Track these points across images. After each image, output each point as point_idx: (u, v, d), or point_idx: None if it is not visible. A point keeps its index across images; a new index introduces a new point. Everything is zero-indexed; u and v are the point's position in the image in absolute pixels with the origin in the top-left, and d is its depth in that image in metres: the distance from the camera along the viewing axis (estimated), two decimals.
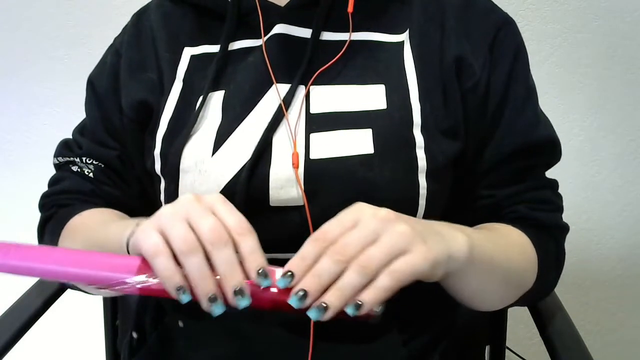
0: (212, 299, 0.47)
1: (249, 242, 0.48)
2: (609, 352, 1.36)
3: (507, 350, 0.90)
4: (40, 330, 0.80)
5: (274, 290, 0.48)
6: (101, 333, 0.93)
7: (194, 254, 0.47)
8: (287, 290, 0.47)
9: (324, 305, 0.46)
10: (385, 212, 0.49)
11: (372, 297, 0.46)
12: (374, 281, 0.46)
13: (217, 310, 0.47)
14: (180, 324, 0.66)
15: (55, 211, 0.73)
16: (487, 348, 0.89)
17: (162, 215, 0.49)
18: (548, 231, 0.69)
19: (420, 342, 0.66)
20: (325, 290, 0.46)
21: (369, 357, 0.63)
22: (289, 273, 0.47)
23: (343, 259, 0.46)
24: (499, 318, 0.88)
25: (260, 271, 0.47)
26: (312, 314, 0.46)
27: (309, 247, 0.48)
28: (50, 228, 0.73)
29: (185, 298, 0.47)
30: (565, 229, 0.71)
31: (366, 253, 0.47)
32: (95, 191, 0.73)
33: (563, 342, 0.70)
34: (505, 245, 0.63)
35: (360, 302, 0.46)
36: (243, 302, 0.47)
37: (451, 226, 0.54)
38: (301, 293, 0.46)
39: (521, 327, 1.27)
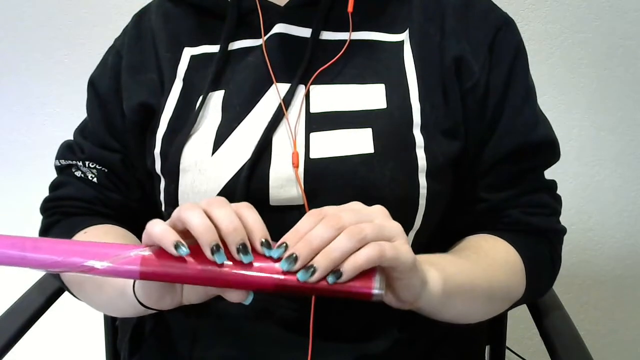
0: (215, 249, 0.47)
1: (253, 215, 0.49)
2: (609, 352, 1.36)
3: (507, 350, 0.90)
4: (40, 330, 0.80)
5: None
6: (101, 333, 0.93)
7: (193, 209, 0.47)
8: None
9: (312, 266, 0.46)
10: (382, 207, 0.51)
11: (350, 264, 0.46)
12: (356, 251, 0.47)
13: (219, 259, 0.47)
14: None
15: (59, 219, 0.73)
16: (487, 348, 0.89)
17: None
18: (542, 236, 0.69)
19: (421, 341, 0.66)
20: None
21: (369, 356, 0.63)
22: (283, 244, 0.47)
23: (336, 226, 0.47)
24: (499, 318, 0.87)
25: (263, 241, 0.48)
26: (300, 275, 0.47)
27: (304, 220, 0.49)
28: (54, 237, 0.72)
29: (182, 251, 0.47)
30: (561, 232, 0.71)
31: (359, 225, 0.47)
32: (98, 197, 0.73)
33: (563, 342, 0.70)
34: (488, 265, 0.63)
35: (340, 271, 0.46)
36: (246, 259, 0.47)
37: (426, 261, 0.54)
38: (292, 257, 0.47)
39: (521, 327, 1.27)
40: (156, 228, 0.48)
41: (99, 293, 0.64)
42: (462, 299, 0.59)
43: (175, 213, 0.48)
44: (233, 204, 0.50)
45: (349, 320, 0.63)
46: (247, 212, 0.49)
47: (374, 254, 0.46)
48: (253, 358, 0.63)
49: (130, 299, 0.56)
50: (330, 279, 0.46)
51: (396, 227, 0.49)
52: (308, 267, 0.46)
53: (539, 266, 0.68)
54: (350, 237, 0.46)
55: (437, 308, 0.56)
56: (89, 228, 0.70)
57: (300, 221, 0.49)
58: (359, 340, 0.64)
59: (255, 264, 0.48)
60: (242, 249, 0.47)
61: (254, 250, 0.48)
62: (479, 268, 0.62)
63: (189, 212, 0.47)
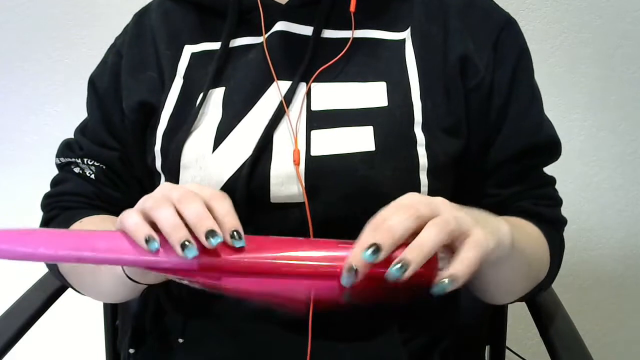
0: (185, 244, 0.45)
1: (223, 205, 0.48)
2: (609, 352, 1.36)
3: (507, 350, 0.90)
4: (40, 330, 0.80)
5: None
6: (101, 333, 0.93)
7: (163, 206, 0.47)
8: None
9: (405, 262, 0.43)
10: (444, 199, 0.48)
11: (460, 269, 0.44)
12: (456, 254, 0.45)
13: (190, 254, 0.45)
14: (180, 340, 0.66)
15: (58, 213, 0.73)
16: (487, 348, 0.89)
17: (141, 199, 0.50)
18: (551, 225, 0.69)
19: (420, 341, 0.66)
20: (397, 248, 0.44)
21: (368, 356, 0.63)
22: (353, 267, 0.44)
23: (416, 214, 0.45)
24: (499, 318, 0.88)
25: (233, 232, 0.47)
26: (392, 273, 0.43)
27: (367, 235, 0.45)
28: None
29: (153, 246, 0.46)
30: (564, 222, 0.72)
31: (442, 217, 0.45)
32: (96, 193, 0.73)
33: (563, 342, 0.70)
34: (528, 236, 0.64)
35: (451, 277, 0.44)
36: (215, 241, 0.46)
37: (491, 215, 0.53)
38: (374, 247, 0.43)
39: (521, 327, 1.27)
40: (129, 220, 0.48)
41: (94, 278, 0.64)
42: (518, 261, 0.58)
43: (148, 206, 0.48)
44: (205, 194, 0.49)
45: (348, 320, 0.63)
46: (218, 203, 0.48)
47: (477, 254, 0.45)
48: (252, 358, 0.63)
49: (120, 274, 0.56)
50: (438, 289, 0.44)
51: (468, 218, 0.47)
52: (401, 264, 0.43)
53: (555, 250, 0.69)
54: (440, 230, 0.44)
55: (501, 264, 0.53)
56: (85, 218, 0.70)
57: (362, 235, 0.45)
58: (358, 340, 0.64)
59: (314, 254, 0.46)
60: (210, 234, 0.46)
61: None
62: (524, 237, 0.61)
63: (158, 211, 0.47)
